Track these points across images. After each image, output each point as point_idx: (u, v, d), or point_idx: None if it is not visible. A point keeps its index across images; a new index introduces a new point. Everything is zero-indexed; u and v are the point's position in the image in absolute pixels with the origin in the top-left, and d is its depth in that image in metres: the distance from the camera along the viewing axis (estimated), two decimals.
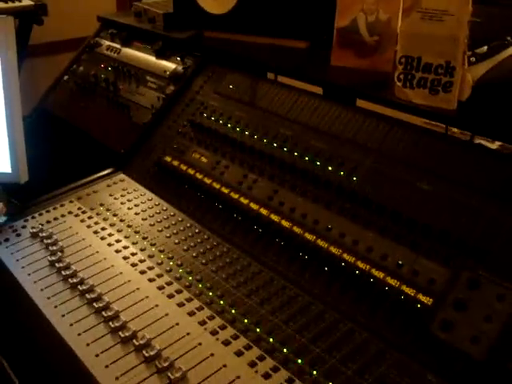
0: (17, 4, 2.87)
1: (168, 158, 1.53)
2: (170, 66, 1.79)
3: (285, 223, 1.23)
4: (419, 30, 1.21)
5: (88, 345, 1.02)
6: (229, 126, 1.50)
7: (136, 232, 1.34)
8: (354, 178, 1.22)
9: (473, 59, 1.28)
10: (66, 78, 2.12)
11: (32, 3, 2.87)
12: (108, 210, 1.44)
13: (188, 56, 1.77)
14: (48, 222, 1.41)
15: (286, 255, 1.19)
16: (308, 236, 1.18)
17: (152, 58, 1.86)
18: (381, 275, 1.05)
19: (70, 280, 1.17)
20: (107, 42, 2.07)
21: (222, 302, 1.10)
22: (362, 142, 1.27)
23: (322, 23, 1.64)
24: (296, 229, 1.20)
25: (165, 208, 1.42)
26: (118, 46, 2.02)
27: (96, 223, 1.39)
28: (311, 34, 1.69)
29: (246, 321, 1.05)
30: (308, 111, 1.40)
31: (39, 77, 3.42)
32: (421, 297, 1.00)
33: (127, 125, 1.80)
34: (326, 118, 1.36)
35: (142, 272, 1.20)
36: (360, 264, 1.08)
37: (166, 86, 1.75)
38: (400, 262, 1.05)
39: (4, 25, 1.48)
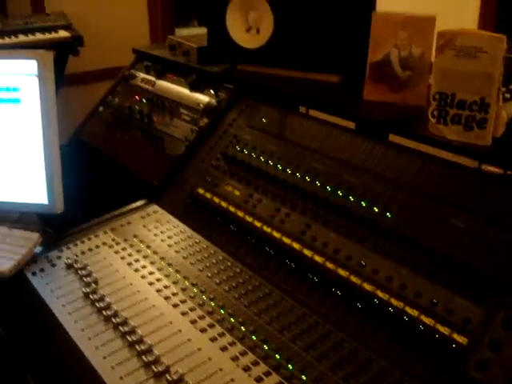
0: (54, 35, 2.95)
1: (201, 191, 1.54)
2: (203, 98, 1.82)
3: (317, 258, 1.23)
4: (453, 67, 1.22)
5: (121, 378, 1.02)
6: (261, 159, 1.51)
7: (169, 264, 1.35)
8: (388, 214, 1.22)
9: (507, 96, 1.28)
10: (101, 108, 2.16)
11: (69, 35, 2.95)
12: (141, 241, 1.45)
13: (221, 89, 1.80)
14: (82, 252, 1.43)
15: (318, 291, 1.19)
16: (341, 272, 1.17)
17: (186, 91, 1.89)
18: (415, 313, 1.04)
19: (103, 312, 1.18)
20: (142, 74, 2.11)
21: (254, 338, 1.10)
22: (395, 177, 1.26)
23: (354, 57, 1.66)
24: (329, 264, 1.20)
25: (197, 241, 1.43)
26: (152, 78, 2.06)
27: (130, 255, 1.40)
28: (343, 67, 1.71)
29: (277, 357, 1.05)
30: (340, 145, 1.41)
31: (75, 105, 3.48)
32: (456, 336, 0.99)
33: (161, 156, 1.82)
34: (359, 152, 1.36)
35: (175, 305, 1.20)
36: (394, 301, 1.08)
37: (200, 118, 1.77)
38: (434, 301, 1.04)
39: (44, 59, 1.52)
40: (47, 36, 2.92)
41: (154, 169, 1.80)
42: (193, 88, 1.88)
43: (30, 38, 2.88)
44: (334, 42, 1.68)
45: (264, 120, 1.61)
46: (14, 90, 1.54)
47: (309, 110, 1.62)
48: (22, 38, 2.87)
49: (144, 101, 2.01)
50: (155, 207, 1.61)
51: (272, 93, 1.69)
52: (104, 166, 2.00)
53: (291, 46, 1.73)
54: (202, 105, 1.80)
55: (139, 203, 1.63)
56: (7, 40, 2.84)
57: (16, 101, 1.53)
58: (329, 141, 1.44)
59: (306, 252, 1.25)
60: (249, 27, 1.79)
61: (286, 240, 1.30)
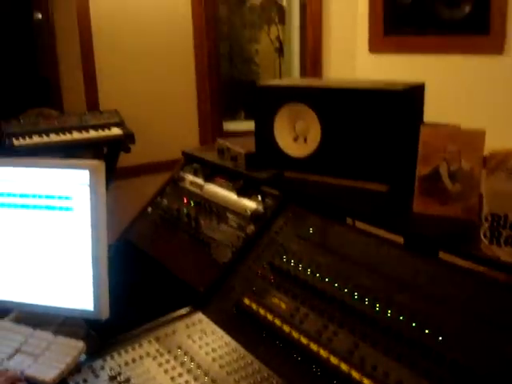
0: (107, 132, 3.05)
1: (247, 301, 1.52)
2: (250, 205, 1.83)
3: (366, 381, 1.19)
4: (505, 189, 1.20)
5: None
6: (308, 272, 1.49)
7: (213, 381, 1.32)
8: (440, 338, 1.17)
9: None
10: (149, 209, 2.20)
11: (121, 132, 3.05)
12: (186, 353, 1.43)
13: (268, 195, 1.81)
14: (126, 363, 1.41)
15: None
16: None
17: (233, 196, 1.91)
18: None
19: None
20: (190, 177, 2.14)
21: None
22: (447, 298, 1.23)
23: (402, 166, 1.66)
24: None
25: (242, 355, 1.40)
26: (201, 181, 2.09)
27: (173, 368, 1.38)
28: (391, 177, 1.70)
29: None
30: (389, 261, 1.39)
31: (125, 199, 3.57)
32: None
33: (207, 262, 1.83)
34: (408, 269, 1.34)
35: None
36: None
37: (247, 225, 1.78)
38: None
39: (96, 169, 1.57)
40: (100, 133, 3.02)
41: (199, 274, 1.80)
42: (240, 193, 1.90)
43: (84, 135, 2.99)
44: (381, 151, 1.69)
45: (311, 230, 1.60)
46: (67, 198, 1.58)
47: (356, 221, 1.61)
48: (76, 135, 2.98)
49: (192, 204, 2.04)
50: (200, 315, 1.60)
51: (319, 202, 1.69)
52: (150, 269, 2.01)
53: (338, 155, 1.75)
54: (249, 211, 1.81)
55: (184, 311, 1.62)
56: (63, 137, 2.96)
57: (68, 209, 1.56)
58: (377, 256, 1.42)
59: (355, 374, 1.21)
60: (296, 136, 1.82)
61: (334, 360, 1.26)
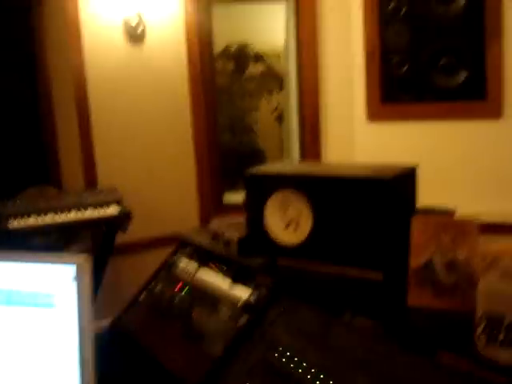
0: (105, 211, 3.03)
1: None
2: (243, 294, 1.78)
3: None
4: (499, 289, 1.15)
5: None
6: (301, 369, 1.42)
7: None
8: None
9: None
10: (142, 296, 2.14)
11: (118, 211, 3.02)
12: None
13: (261, 284, 1.76)
14: None
15: None
16: None
17: (226, 284, 1.86)
18: None
19: None
20: (184, 262, 2.10)
21: None
22: None
23: (396, 254, 1.61)
24: None
25: None
26: (194, 266, 2.04)
27: None
28: (386, 264, 1.65)
29: None
30: (385, 359, 1.32)
31: (122, 276, 3.53)
32: None
33: (199, 354, 1.76)
34: (404, 369, 1.27)
35: None
36: None
37: (239, 316, 1.72)
38: None
39: (82, 265, 1.52)
40: (98, 213, 3.00)
41: (190, 368, 1.73)
42: (233, 281, 1.85)
43: (82, 214, 2.96)
44: (373, 238, 1.64)
45: (304, 323, 1.54)
46: (50, 295, 1.54)
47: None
48: (73, 214, 2.96)
49: (184, 292, 1.99)
50: None
51: (312, 292, 1.64)
52: (141, 360, 1.94)
53: (331, 242, 1.70)
54: (241, 302, 1.76)
55: None
56: (60, 217, 2.93)
57: (52, 305, 1.52)
58: (373, 353, 1.36)
59: None
60: (288, 222, 1.78)
61: None
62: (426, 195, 3.55)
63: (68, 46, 3.36)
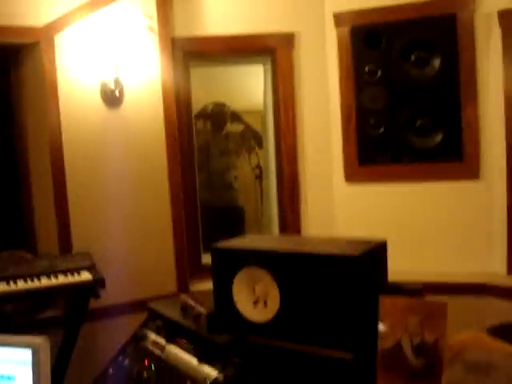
0: (76, 278, 2.96)
1: None
2: (210, 372, 1.73)
3: None
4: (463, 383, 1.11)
5: None
6: None
7: None
8: None
9: None
10: (110, 370, 2.08)
11: (90, 277, 2.95)
12: None
13: (229, 362, 1.71)
14: None
15: None
16: None
17: (194, 361, 1.81)
18: None
19: None
20: (153, 336, 2.05)
21: None
22: None
23: (367, 332, 1.56)
24: None
25: None
26: (163, 341, 1.99)
27: None
28: (356, 344, 1.60)
29: None
30: None
31: (97, 341, 3.44)
32: None
33: None
34: None
35: None
36: None
37: None
38: None
39: (40, 348, 1.48)
40: (70, 279, 2.93)
41: None
42: (201, 358, 1.80)
43: (53, 281, 2.89)
44: (342, 317, 1.60)
45: None
46: (9, 378, 1.49)
47: None
48: (44, 281, 2.89)
49: (153, 367, 1.93)
50: None
51: (281, 371, 1.59)
52: None
53: (299, 321, 1.66)
54: (209, 380, 1.70)
55: None
56: (30, 284, 2.86)
57: None
58: None
59: None
60: (256, 299, 1.74)
61: None
62: (403, 257, 3.55)
63: (45, 108, 3.34)
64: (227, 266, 1.76)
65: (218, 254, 1.80)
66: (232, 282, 1.76)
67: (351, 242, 1.76)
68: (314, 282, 1.62)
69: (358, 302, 1.56)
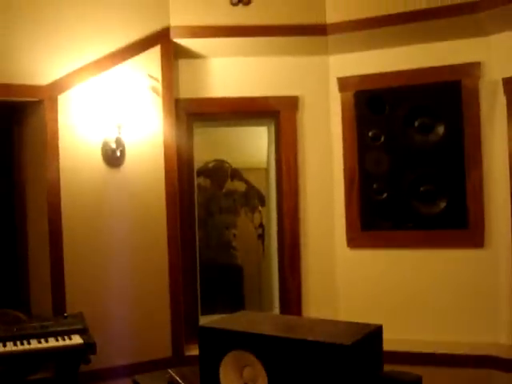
0: (67, 342, 2.88)
1: None
2: None
3: None
4: None
5: None
6: None
7: None
8: None
9: None
10: None
11: (82, 341, 2.87)
12: None
13: None
14: None
15: None
16: None
17: None
18: None
19: None
20: None
21: None
22: None
23: None
24: None
25: None
26: None
27: None
28: None
29: None
30: None
31: None
32: None
33: None
34: None
35: None
36: None
37: None
38: None
39: None
40: (60, 343, 2.85)
41: None
42: None
43: (43, 344, 2.81)
44: None
45: None
46: None
47: None
48: (34, 344, 2.81)
49: None
50: None
51: None
52: None
53: None
54: None
55: None
56: (19, 347, 2.78)
57: None
58: None
59: None
60: (244, 383, 1.66)
61: None
62: (405, 326, 3.46)
63: (45, 166, 3.32)
64: (214, 348, 1.68)
65: (204, 334, 1.73)
66: (219, 364, 1.68)
67: (346, 328, 1.68)
68: (303, 369, 1.54)
69: None
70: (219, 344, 1.68)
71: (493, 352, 3.30)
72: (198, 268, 3.93)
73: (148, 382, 2.09)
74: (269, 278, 4.17)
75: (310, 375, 1.53)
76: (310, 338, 1.55)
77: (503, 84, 3.35)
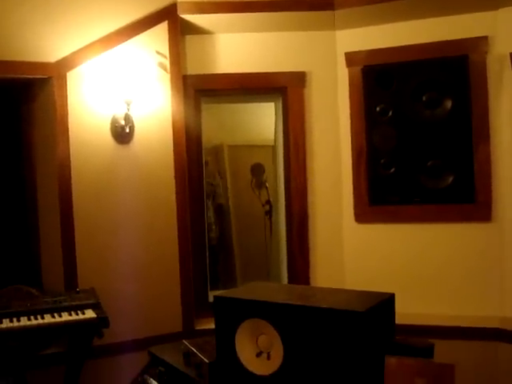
0: (80, 316, 2.92)
1: None
2: None
3: None
4: None
5: None
6: None
7: None
8: None
9: None
10: None
11: (95, 316, 2.91)
12: None
13: None
14: None
15: None
16: None
17: None
18: None
19: None
20: (154, 383, 2.00)
21: None
22: None
23: None
24: None
25: None
26: None
27: None
28: None
29: None
30: None
31: (100, 377, 3.39)
32: None
33: None
34: None
35: None
36: None
37: None
38: None
39: None
40: (73, 317, 2.89)
41: None
42: None
43: (56, 319, 2.86)
44: (346, 374, 1.55)
45: None
46: None
47: None
48: (48, 319, 2.85)
49: None
50: None
51: None
52: None
53: (303, 375, 1.61)
54: None
55: None
56: (33, 321, 2.83)
57: None
58: None
59: None
60: (259, 351, 1.69)
61: None
62: (413, 299, 3.48)
63: (54, 143, 3.34)
64: (230, 316, 1.72)
65: (220, 303, 1.76)
66: (235, 333, 1.71)
67: (358, 296, 1.71)
68: (318, 336, 1.57)
69: (362, 359, 1.51)
70: (234, 313, 1.72)
71: (499, 325, 3.33)
72: (207, 243, 3.97)
73: (163, 353, 2.12)
74: (277, 254, 4.20)
75: (324, 342, 1.57)
76: (324, 306, 1.58)
77: (511, 58, 3.33)
